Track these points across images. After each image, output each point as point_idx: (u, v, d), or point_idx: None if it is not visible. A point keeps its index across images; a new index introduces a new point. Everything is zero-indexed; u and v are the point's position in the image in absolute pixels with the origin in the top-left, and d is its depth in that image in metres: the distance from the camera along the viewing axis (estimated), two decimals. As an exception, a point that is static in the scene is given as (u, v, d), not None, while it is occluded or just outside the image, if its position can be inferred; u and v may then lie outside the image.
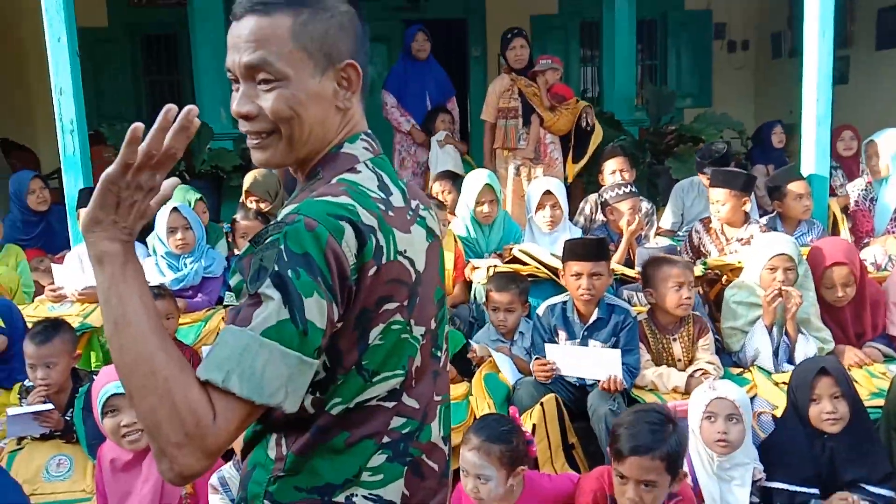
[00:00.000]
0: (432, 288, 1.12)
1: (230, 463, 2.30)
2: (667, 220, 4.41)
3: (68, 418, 2.68)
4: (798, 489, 2.35)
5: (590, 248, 2.86)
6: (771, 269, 2.93)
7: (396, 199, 1.06)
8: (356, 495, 1.04)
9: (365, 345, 1.00)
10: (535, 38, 8.13)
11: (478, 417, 2.42)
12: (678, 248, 3.49)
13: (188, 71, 6.68)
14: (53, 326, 2.76)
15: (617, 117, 5.46)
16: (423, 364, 1.10)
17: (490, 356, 2.96)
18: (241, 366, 0.89)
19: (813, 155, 3.77)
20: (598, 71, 7.61)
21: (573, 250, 2.87)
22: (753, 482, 2.38)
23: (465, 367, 2.99)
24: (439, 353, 1.16)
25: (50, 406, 2.60)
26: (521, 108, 4.69)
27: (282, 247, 0.92)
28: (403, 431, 1.07)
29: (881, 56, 6.87)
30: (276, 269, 0.91)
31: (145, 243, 3.66)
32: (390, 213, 1.03)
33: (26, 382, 2.79)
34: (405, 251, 1.03)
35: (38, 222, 4.41)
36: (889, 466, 2.39)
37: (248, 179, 3.99)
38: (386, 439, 1.06)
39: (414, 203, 1.12)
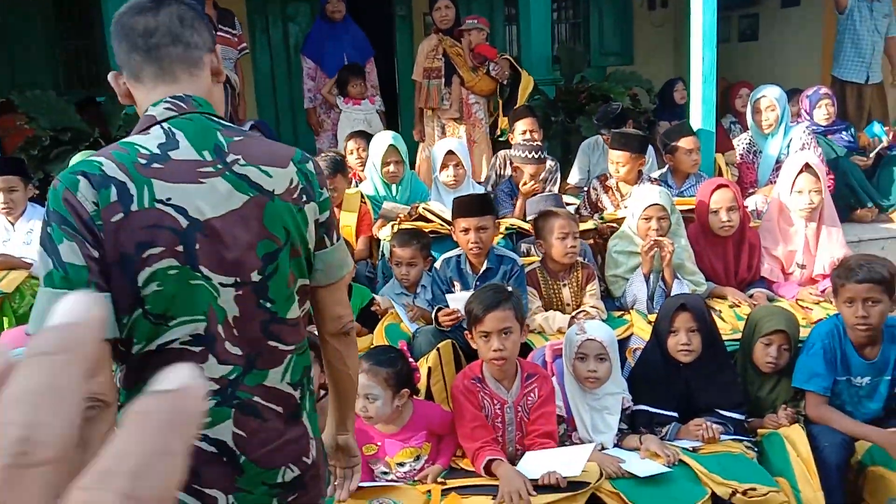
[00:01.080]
0: (247, 240, 1.23)
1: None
2: (574, 176, 4.66)
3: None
4: (658, 411, 2.65)
5: (474, 204, 3.08)
6: (646, 219, 3.21)
7: (182, 153, 1.20)
8: None
9: (136, 289, 1.15)
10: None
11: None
12: (563, 200, 3.72)
13: (104, 35, 6.59)
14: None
15: (532, 76, 5.64)
16: (244, 314, 1.24)
17: (392, 308, 3.18)
18: (36, 314, 1.14)
19: (700, 111, 4.05)
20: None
21: (460, 207, 3.09)
22: (623, 410, 2.67)
23: (370, 320, 3.20)
24: (269, 305, 1.27)
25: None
26: (444, 69, 4.84)
27: (46, 207, 1.14)
28: (230, 378, 1.23)
29: (787, 13, 7.21)
30: (44, 229, 1.13)
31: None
32: (155, 166, 1.17)
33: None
34: (169, 199, 1.16)
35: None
36: (741, 394, 2.71)
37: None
38: (212, 385, 1.21)
39: (232, 158, 1.23)
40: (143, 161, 1.16)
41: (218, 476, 1.24)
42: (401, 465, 2.48)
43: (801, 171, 3.32)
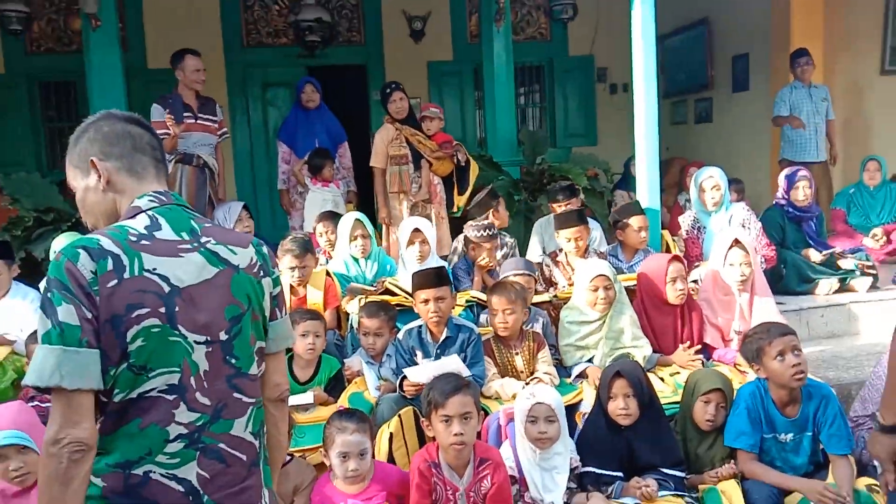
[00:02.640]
0: (217, 304, 1.49)
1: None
2: (532, 252, 5.00)
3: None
4: (604, 472, 2.89)
5: (432, 276, 3.38)
6: (593, 289, 3.52)
7: (164, 234, 1.48)
8: (153, 472, 1.41)
9: (125, 343, 1.38)
10: (432, 84, 8.78)
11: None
12: (532, 263, 4.05)
13: (85, 117, 6.94)
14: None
15: (496, 159, 6.07)
16: (213, 368, 1.48)
17: (361, 373, 3.45)
18: (34, 367, 1.35)
19: (646, 192, 4.44)
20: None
21: (419, 281, 3.39)
22: (571, 470, 2.90)
23: (336, 391, 3.43)
24: (234, 361, 1.51)
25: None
26: (411, 155, 5.24)
27: (48, 276, 1.38)
28: (197, 424, 1.45)
29: (738, 97, 7.80)
30: (45, 294, 1.37)
31: (37, 288, 3.95)
32: (144, 243, 1.44)
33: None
34: (155, 269, 1.42)
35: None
36: (679, 453, 2.96)
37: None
38: (181, 430, 1.43)
39: (205, 238, 1.53)
40: (134, 238, 1.43)
41: None
42: (363, 524, 2.68)
43: (731, 246, 3.68)
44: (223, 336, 1.50)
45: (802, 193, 4.99)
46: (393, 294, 3.87)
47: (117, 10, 5.89)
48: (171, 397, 1.43)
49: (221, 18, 8.06)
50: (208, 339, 1.48)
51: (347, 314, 3.94)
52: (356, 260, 4.20)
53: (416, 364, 3.35)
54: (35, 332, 3.33)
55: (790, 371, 2.82)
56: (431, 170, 5.26)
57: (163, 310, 1.42)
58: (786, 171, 5.19)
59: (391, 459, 3.03)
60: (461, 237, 4.67)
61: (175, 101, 4.96)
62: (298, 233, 4.18)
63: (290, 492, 2.74)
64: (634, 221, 4.24)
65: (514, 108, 6.62)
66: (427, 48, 8.56)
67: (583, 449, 2.95)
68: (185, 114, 4.94)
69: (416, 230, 4.13)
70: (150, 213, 1.50)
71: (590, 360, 3.56)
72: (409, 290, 3.78)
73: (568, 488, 2.85)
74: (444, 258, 4.61)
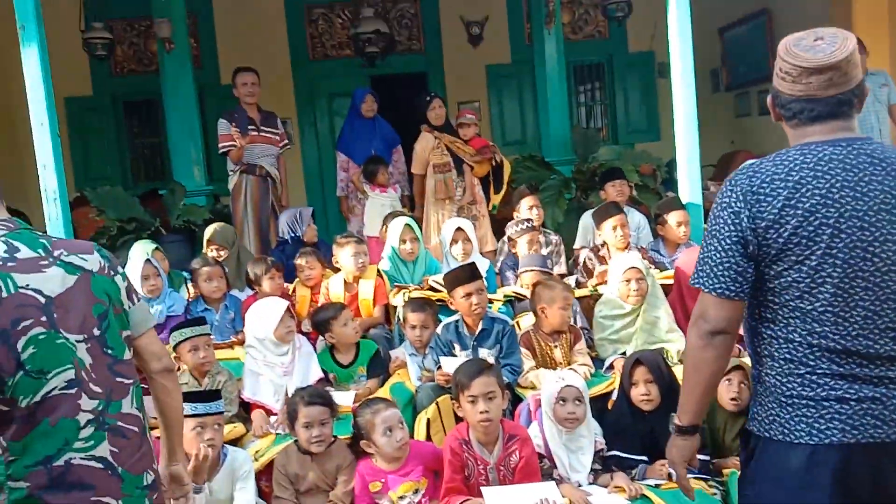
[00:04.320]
0: (85, 306, 1.74)
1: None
2: (578, 242, 5.21)
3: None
4: (629, 456, 3.06)
5: (470, 271, 3.64)
6: (626, 282, 3.70)
7: (24, 254, 1.69)
8: (74, 458, 1.66)
9: (17, 354, 1.60)
10: (491, 87, 9.03)
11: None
12: (546, 261, 4.28)
13: (166, 133, 7.53)
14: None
15: (548, 159, 6.27)
16: (96, 360, 1.74)
17: (405, 363, 3.76)
18: None
19: (687, 188, 4.55)
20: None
21: (458, 277, 3.65)
22: (596, 452, 3.10)
23: (374, 372, 3.73)
24: (110, 351, 1.78)
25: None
26: (453, 162, 5.54)
27: None
28: (99, 409, 1.72)
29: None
30: None
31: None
32: (10, 265, 1.66)
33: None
34: (27, 285, 1.65)
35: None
36: (702, 437, 3.09)
37: (209, 231, 4.80)
38: (89, 416, 1.69)
39: (57, 252, 1.75)
40: (0, 262, 1.67)
41: (108, 486, 1.72)
42: (402, 497, 2.95)
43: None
44: (96, 332, 1.77)
45: None
46: (436, 291, 4.15)
47: (190, 32, 6.43)
48: (72, 391, 1.68)
49: (288, 34, 8.55)
50: (85, 336, 1.74)
51: (395, 308, 4.24)
52: (403, 261, 4.50)
53: (454, 356, 3.61)
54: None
55: None
56: (472, 173, 5.56)
57: (44, 318, 1.67)
58: None
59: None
60: (506, 237, 4.91)
61: (240, 116, 5.40)
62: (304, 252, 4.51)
63: (334, 471, 3.05)
64: (673, 217, 4.37)
65: (566, 108, 6.80)
66: (485, 52, 8.80)
67: (609, 434, 3.14)
68: (249, 127, 5.37)
69: (459, 229, 4.39)
70: (3, 239, 1.71)
71: (623, 354, 3.73)
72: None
73: (593, 470, 3.05)
74: (491, 254, 4.86)
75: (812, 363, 1.72)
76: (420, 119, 5.79)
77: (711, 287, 1.77)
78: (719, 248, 1.75)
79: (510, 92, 9.00)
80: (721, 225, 1.76)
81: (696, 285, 1.82)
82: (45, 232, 4.56)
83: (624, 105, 9.24)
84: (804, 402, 1.72)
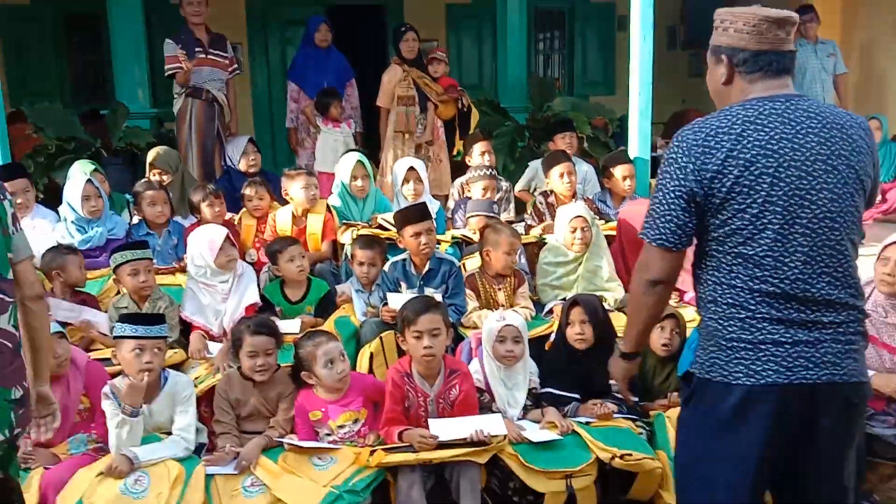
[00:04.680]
0: None
1: (119, 377, 3.02)
2: (519, 185, 5.32)
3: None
4: (562, 393, 3.20)
5: (421, 211, 3.69)
6: (572, 231, 3.80)
7: None
8: None
9: None
10: (450, 27, 8.92)
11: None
12: (494, 207, 4.36)
13: (109, 51, 7.24)
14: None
15: (503, 104, 6.28)
16: None
17: (350, 298, 3.80)
18: None
19: (637, 142, 4.65)
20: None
21: (407, 216, 3.69)
22: (530, 390, 3.22)
23: (325, 312, 3.76)
24: None
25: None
26: (418, 97, 5.49)
27: None
28: None
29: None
30: None
31: (57, 211, 4.32)
32: None
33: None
34: None
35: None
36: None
37: (152, 154, 4.70)
38: None
39: None
40: None
41: None
42: (341, 427, 3.03)
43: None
44: None
45: None
46: (385, 229, 4.18)
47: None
48: None
49: (243, -45, 8.23)
50: None
51: (342, 245, 4.26)
52: (353, 198, 4.49)
53: (400, 293, 3.66)
54: (50, 248, 3.73)
55: None
56: (436, 113, 5.52)
57: None
58: None
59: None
60: (458, 181, 4.95)
61: (187, 37, 5.23)
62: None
63: (275, 398, 3.10)
64: (619, 170, 4.48)
65: (524, 55, 6.80)
66: (446, -10, 8.67)
67: (545, 373, 3.27)
68: (196, 48, 5.21)
69: (412, 168, 4.40)
70: None
71: (563, 300, 3.85)
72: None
73: (524, 406, 3.18)
74: (445, 198, 4.89)
75: (752, 307, 1.83)
76: (376, 54, 5.70)
77: (653, 238, 1.88)
78: (664, 202, 1.85)
79: (469, 34, 8.92)
80: (668, 180, 1.85)
81: (642, 237, 1.93)
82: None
83: (582, 56, 9.26)
84: (743, 345, 1.83)
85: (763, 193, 1.78)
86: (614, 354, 2.21)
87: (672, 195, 1.83)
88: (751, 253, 1.81)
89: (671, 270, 1.91)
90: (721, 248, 1.85)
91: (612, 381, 2.94)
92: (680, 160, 1.82)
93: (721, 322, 1.87)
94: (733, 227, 1.81)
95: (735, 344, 1.85)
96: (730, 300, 1.85)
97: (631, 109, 4.66)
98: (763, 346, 1.82)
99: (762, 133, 1.79)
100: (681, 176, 1.82)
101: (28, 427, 2.10)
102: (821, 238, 1.81)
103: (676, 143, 1.86)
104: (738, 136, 1.79)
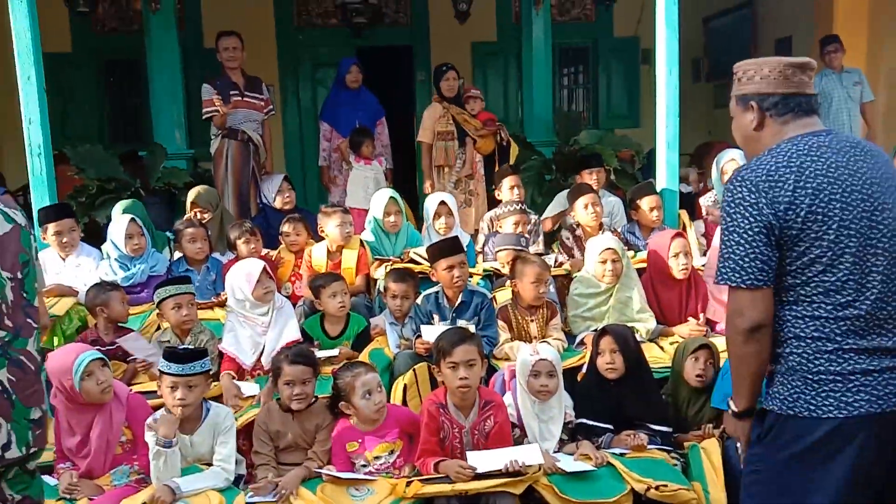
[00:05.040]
0: (14, 251, 2.05)
1: (161, 409, 3.11)
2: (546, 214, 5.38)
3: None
4: (596, 424, 3.23)
5: (453, 245, 3.78)
6: (602, 262, 3.85)
7: None
8: None
9: None
10: (477, 65, 9.09)
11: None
12: (522, 240, 4.42)
13: (147, 95, 7.51)
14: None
15: (529, 139, 6.39)
16: (14, 299, 2.04)
17: (384, 330, 3.89)
18: None
19: (665, 174, 4.71)
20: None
21: (441, 250, 3.79)
22: (565, 423, 3.25)
23: (361, 345, 3.84)
24: (25, 295, 2.08)
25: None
26: (457, 132, 5.70)
27: None
28: (6, 340, 2.01)
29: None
30: None
31: (99, 248, 4.48)
32: None
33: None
34: None
35: (8, 233, 5.15)
36: (666, 410, 3.29)
37: (193, 193, 4.86)
38: None
39: None
40: None
41: (2, 408, 1.99)
42: (377, 458, 3.09)
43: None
44: (20, 275, 2.09)
45: None
46: (417, 263, 4.27)
47: (175, -7, 6.41)
48: None
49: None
50: (11, 276, 2.05)
51: (375, 280, 4.35)
52: (386, 233, 4.60)
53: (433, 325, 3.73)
54: (94, 284, 3.87)
55: None
56: (475, 147, 5.72)
57: None
58: None
59: (405, 408, 3.43)
60: (488, 215, 5.04)
61: (223, 81, 5.43)
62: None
63: (313, 430, 3.17)
64: (646, 202, 4.54)
65: (550, 90, 6.91)
66: (471, 29, 8.81)
67: (578, 404, 3.30)
68: (232, 92, 5.40)
69: (442, 203, 4.51)
70: None
71: (595, 331, 3.88)
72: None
73: (561, 439, 3.21)
74: (465, 233, 4.99)
75: (839, 339, 1.85)
76: (406, 92, 5.88)
77: (741, 280, 1.86)
78: (742, 242, 1.86)
79: (495, 71, 9.08)
80: (740, 220, 1.86)
81: (724, 282, 1.90)
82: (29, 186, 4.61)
83: (606, 90, 9.37)
84: (832, 377, 1.85)
85: (836, 218, 1.83)
86: (728, 413, 2.10)
87: (751, 232, 1.84)
88: (832, 279, 1.85)
89: (767, 310, 1.87)
90: (799, 280, 1.87)
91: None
92: (749, 198, 1.85)
93: (806, 356, 1.88)
94: (812, 256, 1.84)
95: (823, 377, 1.86)
96: (815, 333, 1.87)
97: (658, 142, 4.73)
98: (853, 377, 1.84)
99: (819, 163, 1.86)
100: (755, 213, 1.84)
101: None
102: (893, 256, 1.87)
103: (738, 184, 1.89)
104: (800, 167, 1.85)
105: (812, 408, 1.86)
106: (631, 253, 4.33)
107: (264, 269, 3.73)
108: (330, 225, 4.35)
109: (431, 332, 3.56)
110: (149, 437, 3.01)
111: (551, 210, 5.38)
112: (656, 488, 2.88)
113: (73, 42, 8.31)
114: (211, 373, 3.41)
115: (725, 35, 8.72)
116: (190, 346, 3.49)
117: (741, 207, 1.86)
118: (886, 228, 1.87)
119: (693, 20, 8.85)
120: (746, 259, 1.85)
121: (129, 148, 7.02)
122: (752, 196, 1.85)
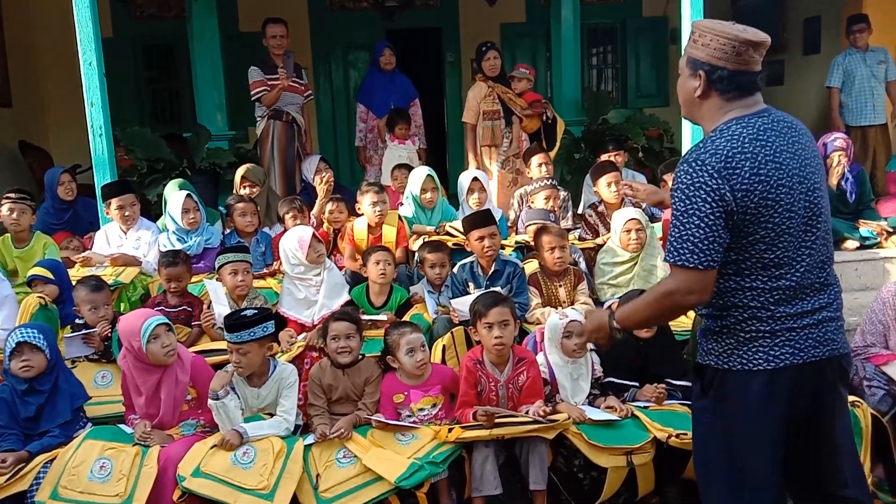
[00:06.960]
0: None
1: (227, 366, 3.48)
2: (581, 208, 5.66)
3: (107, 343, 3.88)
4: (622, 382, 3.55)
5: (485, 217, 4.12)
6: (627, 232, 4.17)
7: None
8: None
9: None
10: (505, 46, 9.34)
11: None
12: (550, 214, 4.71)
13: (186, 79, 7.89)
14: (97, 281, 3.98)
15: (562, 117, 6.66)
16: None
17: (424, 298, 4.23)
18: None
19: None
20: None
21: (473, 222, 4.13)
22: (595, 379, 3.58)
23: (403, 315, 4.19)
24: None
25: (95, 330, 3.80)
26: (503, 111, 5.85)
27: None
28: None
29: (808, 60, 8.07)
30: None
31: (155, 223, 4.88)
32: None
33: (77, 321, 3.98)
34: None
35: (67, 209, 5.46)
36: (686, 367, 3.59)
37: (242, 170, 5.26)
38: None
39: None
40: None
41: None
42: (421, 409, 3.45)
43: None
44: None
45: (837, 161, 5.37)
46: (452, 236, 4.62)
47: (215, -21, 6.75)
48: None
49: (307, -16, 8.85)
50: None
51: (414, 253, 4.71)
52: (422, 208, 4.95)
53: (468, 293, 4.08)
54: (163, 253, 4.26)
55: None
56: (521, 126, 5.89)
57: None
58: (823, 138, 5.48)
59: (444, 368, 3.78)
60: (518, 192, 5.35)
61: (267, 65, 5.81)
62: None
63: (362, 383, 3.53)
64: (670, 178, 4.80)
65: (579, 70, 7.17)
66: (500, 10, 9.08)
67: (605, 363, 3.63)
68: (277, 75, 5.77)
69: (475, 179, 4.84)
70: None
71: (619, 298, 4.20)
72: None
73: (591, 394, 3.54)
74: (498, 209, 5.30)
75: (773, 307, 2.04)
76: (436, 73, 6.09)
77: (697, 261, 1.96)
78: (702, 225, 1.94)
79: (523, 51, 9.34)
80: (700, 203, 1.93)
81: (680, 263, 1.98)
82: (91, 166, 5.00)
83: (635, 69, 9.59)
84: (762, 335, 2.07)
85: (783, 203, 1.98)
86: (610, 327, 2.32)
87: (712, 216, 1.92)
88: (771, 256, 2.01)
89: (710, 290, 2.02)
90: (742, 257, 2.02)
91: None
92: (710, 182, 1.92)
93: (741, 319, 2.06)
94: (757, 236, 1.99)
95: (754, 335, 2.05)
96: (752, 302, 2.04)
97: (685, 121, 4.99)
98: (780, 334, 2.05)
99: (768, 149, 1.98)
100: (716, 198, 1.92)
101: None
102: (821, 231, 2.09)
103: (699, 167, 1.95)
104: (753, 154, 1.96)
105: (744, 361, 2.06)
106: (657, 224, 4.62)
107: (314, 234, 4.09)
108: (364, 203, 4.70)
109: (463, 303, 3.89)
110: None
111: (584, 201, 5.63)
112: (677, 436, 3.19)
113: (113, 28, 8.69)
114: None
115: (753, 15, 8.84)
116: (245, 311, 3.75)
117: (702, 191, 1.93)
118: (817, 207, 2.03)
119: (721, 1, 9.02)
120: (706, 241, 1.94)
121: (169, 130, 7.43)
122: (714, 181, 1.93)
